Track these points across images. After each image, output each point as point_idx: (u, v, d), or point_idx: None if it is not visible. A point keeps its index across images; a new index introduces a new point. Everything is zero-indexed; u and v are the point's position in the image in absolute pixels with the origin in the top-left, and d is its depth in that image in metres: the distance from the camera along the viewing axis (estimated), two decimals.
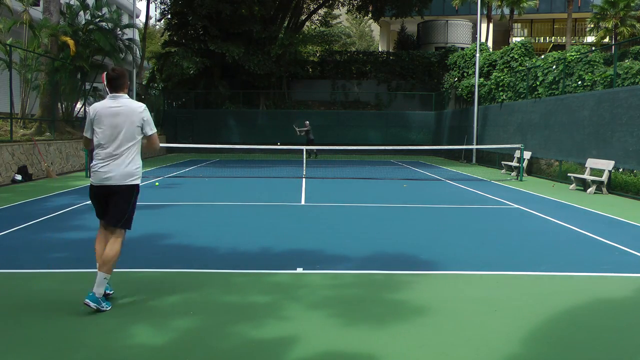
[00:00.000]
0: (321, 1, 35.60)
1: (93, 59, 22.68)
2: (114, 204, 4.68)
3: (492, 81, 22.81)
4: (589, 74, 16.13)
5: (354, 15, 40.11)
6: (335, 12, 42.31)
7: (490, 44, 33.52)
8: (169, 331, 4.16)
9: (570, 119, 15.66)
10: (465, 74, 27.29)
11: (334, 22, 49.53)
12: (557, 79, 17.56)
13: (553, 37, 43.87)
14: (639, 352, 3.93)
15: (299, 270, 5.94)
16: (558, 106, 16.55)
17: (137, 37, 31.05)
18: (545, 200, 12.06)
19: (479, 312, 4.69)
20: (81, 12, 22.44)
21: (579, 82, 16.34)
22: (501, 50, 23.76)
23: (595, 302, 5.02)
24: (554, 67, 17.82)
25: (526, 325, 4.37)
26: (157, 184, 14.23)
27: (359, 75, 34.69)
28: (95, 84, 24.42)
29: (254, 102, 32.53)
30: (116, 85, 4.71)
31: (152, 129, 4.78)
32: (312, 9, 36.35)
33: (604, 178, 13.29)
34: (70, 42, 19.03)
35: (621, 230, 8.65)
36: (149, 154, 5.26)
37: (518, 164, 17.64)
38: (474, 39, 34.31)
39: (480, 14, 26.20)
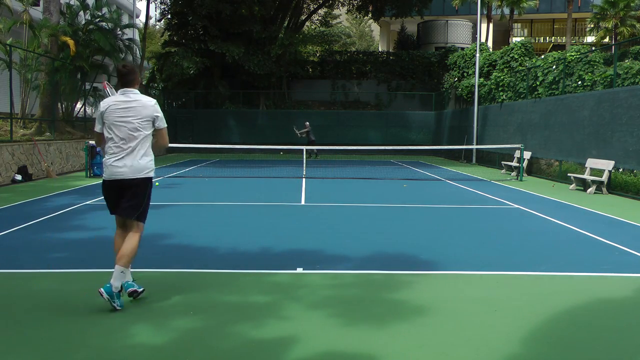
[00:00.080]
0: (321, 1, 35.60)
1: (93, 59, 22.69)
2: (130, 197, 4.72)
3: (492, 81, 22.81)
4: (589, 74, 16.13)
5: (354, 15, 40.10)
6: (335, 12, 42.29)
7: (490, 44, 33.52)
8: (169, 331, 4.16)
9: (570, 119, 15.66)
10: (465, 74, 27.29)
11: (334, 22, 49.52)
12: (557, 79, 17.56)
13: (553, 37, 43.87)
14: (639, 352, 3.93)
15: (299, 270, 5.94)
16: (558, 106, 16.55)
17: (137, 37, 31.08)
18: (545, 200, 12.06)
19: (479, 312, 4.69)
20: (81, 12, 22.45)
21: (579, 82, 16.34)
22: (501, 50, 23.76)
23: (595, 302, 5.02)
24: (554, 67, 17.82)
25: (526, 325, 4.36)
26: (157, 183, 14.21)
27: (359, 75, 34.69)
28: (95, 84, 24.43)
29: (254, 102, 32.53)
30: (127, 81, 4.77)
31: (163, 123, 4.85)
32: (312, 9, 36.34)
33: (604, 178, 13.29)
34: (70, 42, 19.04)
35: (621, 230, 8.65)
36: (155, 152, 5.23)
37: (518, 164, 17.64)
38: (474, 39, 34.30)
39: (480, 14, 26.19)
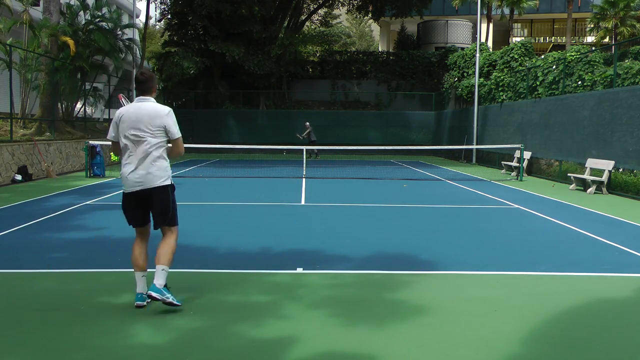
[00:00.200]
0: (321, 1, 35.59)
1: (93, 59, 22.70)
2: (154, 207, 4.69)
3: (492, 81, 22.81)
4: (589, 74, 16.13)
5: (354, 15, 40.10)
6: (335, 12, 42.29)
7: (490, 44, 33.51)
8: (169, 331, 4.16)
9: (570, 119, 15.66)
10: (465, 74, 27.29)
11: (334, 22, 49.53)
12: (557, 79, 17.56)
13: (553, 37, 43.86)
14: (639, 352, 3.93)
15: (299, 270, 5.94)
16: (558, 106, 16.55)
17: (137, 37, 31.08)
18: (545, 200, 12.06)
19: (479, 312, 4.69)
20: (81, 12, 22.47)
21: (579, 82, 16.34)
22: (501, 50, 23.75)
23: (595, 302, 5.02)
24: (554, 67, 17.82)
25: (526, 325, 4.36)
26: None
27: (359, 75, 34.68)
28: (95, 84, 24.44)
29: (254, 102, 32.53)
30: (144, 89, 4.70)
31: (176, 133, 4.72)
32: (312, 9, 36.34)
33: (604, 178, 13.29)
34: (70, 42, 19.04)
35: (621, 230, 8.65)
36: (170, 159, 5.25)
37: (518, 164, 17.64)
38: (474, 39, 34.30)
39: (480, 14, 26.19)
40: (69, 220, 8.89)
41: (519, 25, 43.87)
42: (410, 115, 32.01)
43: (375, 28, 59.58)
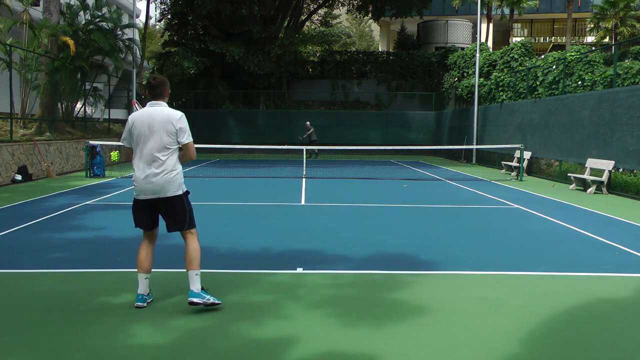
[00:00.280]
0: (321, 1, 35.60)
1: (93, 59, 22.70)
2: (170, 214, 4.67)
3: (492, 81, 22.81)
4: (589, 74, 16.13)
5: (354, 15, 40.10)
6: (335, 12, 42.29)
7: (490, 44, 33.51)
8: (169, 331, 4.16)
9: (570, 119, 15.66)
10: (465, 74, 27.29)
11: (334, 22, 49.52)
12: (557, 79, 17.56)
13: (553, 37, 43.86)
14: (639, 352, 3.93)
15: (299, 270, 5.94)
16: (558, 106, 16.55)
17: (137, 37, 31.06)
18: (545, 200, 12.06)
19: (479, 312, 4.69)
20: (81, 12, 22.45)
21: (579, 82, 16.34)
22: (501, 50, 23.76)
23: (595, 302, 5.02)
24: (554, 67, 17.82)
25: (526, 325, 4.36)
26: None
27: (359, 75, 34.69)
28: (95, 84, 24.43)
29: (254, 102, 32.53)
30: (156, 94, 4.66)
31: (187, 138, 4.67)
32: (312, 9, 36.35)
33: (604, 178, 13.29)
34: (70, 42, 19.03)
35: (621, 230, 8.65)
36: (181, 163, 5.26)
37: (518, 164, 17.64)
38: (474, 39, 34.29)
39: (480, 14, 26.20)
40: (69, 220, 8.89)
41: (519, 25, 43.86)
42: (410, 115, 32.01)
43: (375, 28, 59.58)
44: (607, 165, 13.33)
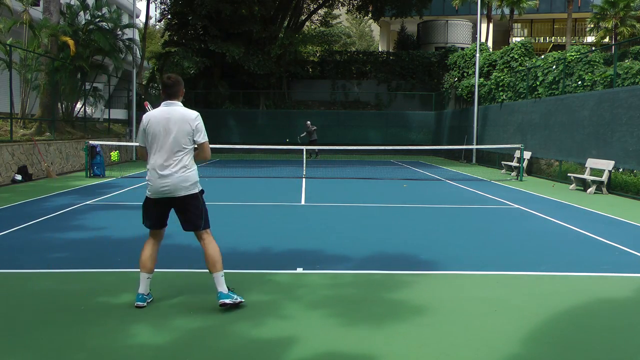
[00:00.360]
0: (321, 1, 35.59)
1: (93, 59, 22.70)
2: (185, 213, 4.67)
3: (492, 81, 22.81)
4: (589, 74, 16.13)
5: (354, 15, 40.09)
6: (335, 12, 42.29)
7: (490, 44, 33.51)
8: (169, 331, 4.16)
9: (570, 119, 15.66)
10: (465, 74, 27.29)
11: (334, 22, 49.53)
12: (557, 79, 17.56)
13: (553, 37, 43.86)
14: (639, 352, 3.93)
15: (299, 270, 5.94)
16: (558, 106, 16.55)
17: (137, 37, 31.06)
18: (545, 200, 12.06)
19: (479, 312, 4.69)
20: (81, 12, 22.45)
21: (579, 82, 16.34)
22: (501, 50, 23.75)
23: (595, 302, 5.02)
24: (554, 67, 17.82)
25: (526, 325, 4.36)
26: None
27: (359, 75, 34.68)
28: (95, 84, 24.44)
29: (254, 102, 32.53)
30: (170, 93, 4.63)
31: (203, 138, 4.68)
32: (312, 9, 36.34)
33: (604, 178, 13.29)
34: (70, 42, 19.03)
35: (621, 230, 8.65)
36: (196, 163, 5.30)
37: (518, 164, 17.64)
38: (474, 39, 34.29)
39: (480, 14, 26.19)
40: (69, 220, 8.89)
41: (519, 25, 43.86)
42: (410, 115, 32.01)
43: (375, 28, 59.58)
44: (607, 165, 13.33)
